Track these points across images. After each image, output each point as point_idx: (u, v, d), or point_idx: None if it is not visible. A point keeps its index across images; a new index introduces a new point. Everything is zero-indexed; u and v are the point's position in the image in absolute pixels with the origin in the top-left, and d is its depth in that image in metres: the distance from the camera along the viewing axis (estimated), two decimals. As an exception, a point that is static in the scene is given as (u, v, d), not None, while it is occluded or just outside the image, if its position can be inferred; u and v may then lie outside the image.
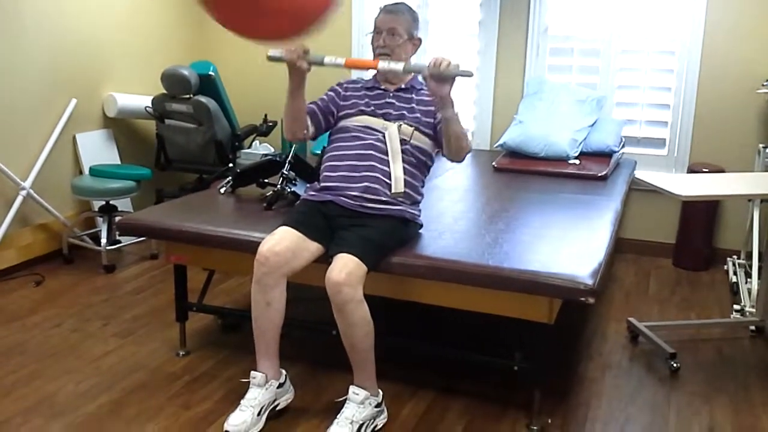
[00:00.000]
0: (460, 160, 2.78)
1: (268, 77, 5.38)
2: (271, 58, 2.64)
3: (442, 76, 2.47)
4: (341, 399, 2.56)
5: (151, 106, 4.68)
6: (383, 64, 2.60)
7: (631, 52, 4.58)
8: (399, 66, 2.57)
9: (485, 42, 4.86)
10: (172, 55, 5.22)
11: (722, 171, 4.31)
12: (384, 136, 2.77)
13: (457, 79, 2.49)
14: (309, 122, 2.85)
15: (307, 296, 2.77)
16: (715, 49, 4.38)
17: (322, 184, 2.79)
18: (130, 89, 4.85)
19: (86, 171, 4.45)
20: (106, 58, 4.69)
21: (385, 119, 2.82)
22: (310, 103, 2.90)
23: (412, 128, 2.80)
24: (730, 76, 4.39)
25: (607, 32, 4.60)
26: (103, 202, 4.33)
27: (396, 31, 2.80)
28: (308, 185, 2.97)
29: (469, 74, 2.49)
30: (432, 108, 2.82)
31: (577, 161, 4.20)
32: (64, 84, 4.38)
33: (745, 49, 4.33)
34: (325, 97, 2.95)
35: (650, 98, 4.60)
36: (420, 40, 2.92)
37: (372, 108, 2.85)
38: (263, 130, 4.89)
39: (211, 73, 4.72)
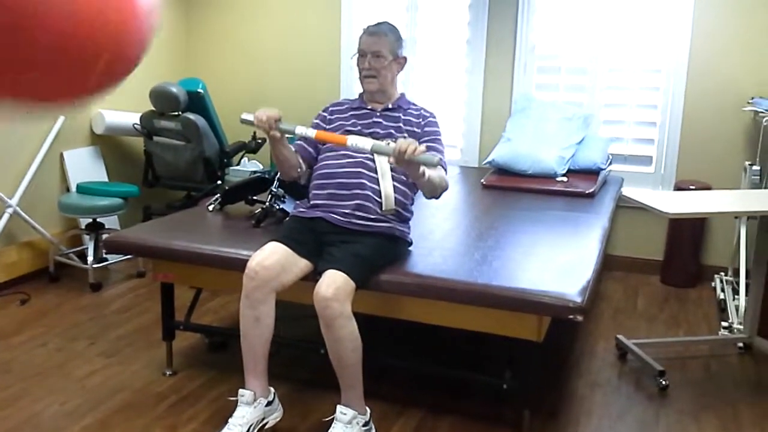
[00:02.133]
0: (436, 198, 2.74)
1: (257, 94, 5.39)
2: (243, 122, 2.68)
3: (406, 162, 2.46)
4: (329, 419, 2.54)
5: (139, 123, 4.66)
6: (351, 141, 2.54)
7: (618, 70, 4.62)
8: (367, 146, 2.52)
9: (473, 60, 4.89)
10: (160, 72, 5.22)
11: (709, 188, 4.33)
12: (372, 155, 2.77)
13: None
14: (300, 160, 2.85)
15: (296, 314, 2.75)
16: (700, 67, 4.42)
17: (312, 202, 2.79)
18: (118, 106, 4.84)
19: (73, 188, 4.43)
20: (94, 75, 4.68)
21: (374, 138, 2.81)
22: (298, 140, 2.91)
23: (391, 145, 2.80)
24: (716, 94, 4.42)
25: (594, 51, 4.64)
26: (90, 220, 4.31)
27: (380, 53, 2.82)
28: (297, 202, 2.96)
29: (433, 164, 2.46)
30: (418, 131, 2.85)
31: (564, 178, 4.22)
32: (51, 101, 4.36)
33: (731, 67, 4.37)
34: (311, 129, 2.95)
35: (637, 116, 4.63)
36: (405, 58, 2.93)
37: (359, 128, 2.85)
38: (252, 147, 4.89)
39: (199, 90, 4.71)
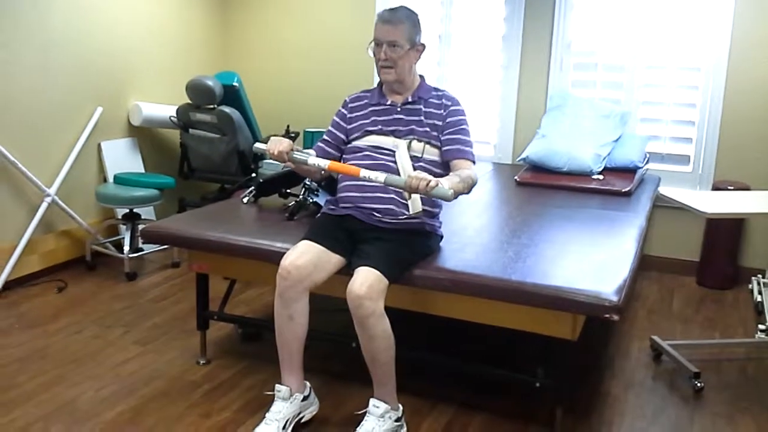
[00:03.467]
0: (467, 194, 2.67)
1: (291, 88, 5.42)
2: (257, 151, 2.68)
3: (420, 195, 2.45)
4: (361, 412, 2.54)
5: (175, 115, 4.71)
6: (364, 174, 2.50)
7: (656, 67, 4.55)
8: (380, 178, 2.47)
9: (509, 56, 4.85)
10: (197, 66, 5.26)
11: (747, 188, 4.26)
12: (395, 156, 2.70)
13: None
14: None
15: (328, 307, 2.76)
16: (740, 65, 4.34)
17: (341, 204, 2.77)
18: (156, 98, 4.90)
19: (110, 179, 4.49)
20: (132, 67, 4.74)
21: (395, 136, 2.75)
22: (319, 141, 2.89)
23: (423, 143, 2.73)
24: (755, 93, 4.34)
25: (632, 47, 4.58)
26: (127, 210, 4.36)
27: (396, 42, 2.67)
28: (328, 198, 2.95)
29: (447, 198, 2.42)
30: (440, 123, 2.75)
31: (600, 176, 4.18)
32: (90, 92, 4.42)
33: (772, 66, 4.29)
34: (331, 128, 2.88)
35: (675, 114, 4.56)
36: (423, 45, 2.77)
37: (379, 126, 2.77)
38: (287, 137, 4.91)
39: (235, 83, 4.75)
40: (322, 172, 2.80)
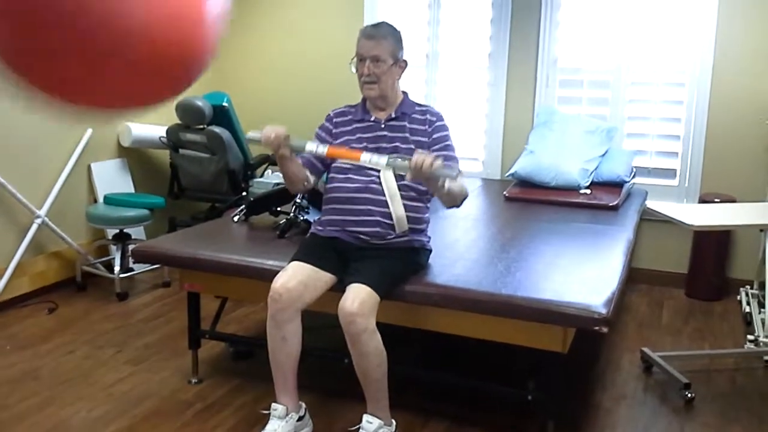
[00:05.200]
0: (457, 207, 2.68)
1: (280, 107, 5.45)
2: (250, 140, 2.63)
3: (424, 177, 2.42)
4: (355, 428, 2.55)
5: (165, 136, 4.73)
6: (365, 157, 2.49)
7: (641, 83, 4.61)
8: (382, 161, 2.47)
9: (495, 74, 4.90)
10: (186, 86, 5.28)
11: (734, 201, 4.30)
12: (379, 177, 2.70)
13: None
14: (308, 173, 2.77)
15: (320, 324, 2.77)
16: (724, 80, 4.41)
17: (327, 227, 2.77)
18: (145, 119, 4.91)
19: (101, 199, 4.50)
20: (121, 88, 4.76)
21: (379, 153, 2.71)
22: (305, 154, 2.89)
23: (408, 161, 2.73)
24: (739, 107, 4.40)
25: (617, 64, 4.64)
26: (117, 231, 4.37)
27: (379, 57, 2.67)
28: (316, 218, 2.95)
29: (453, 176, 2.42)
30: (426, 140, 2.74)
31: (588, 191, 4.22)
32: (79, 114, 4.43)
33: (755, 80, 4.35)
34: (317, 140, 2.85)
35: (660, 129, 4.62)
36: (406, 62, 2.77)
37: (364, 144, 2.75)
38: (275, 159, 4.93)
39: (224, 103, 4.77)
40: (305, 183, 2.76)
